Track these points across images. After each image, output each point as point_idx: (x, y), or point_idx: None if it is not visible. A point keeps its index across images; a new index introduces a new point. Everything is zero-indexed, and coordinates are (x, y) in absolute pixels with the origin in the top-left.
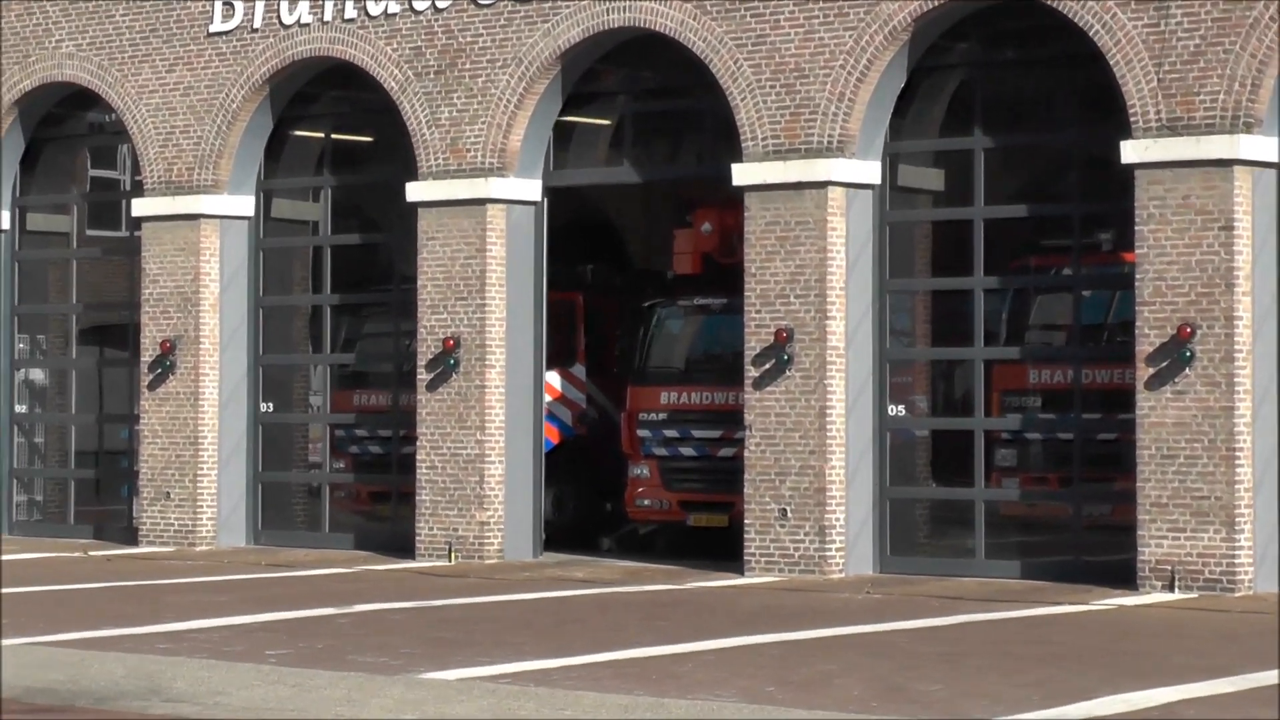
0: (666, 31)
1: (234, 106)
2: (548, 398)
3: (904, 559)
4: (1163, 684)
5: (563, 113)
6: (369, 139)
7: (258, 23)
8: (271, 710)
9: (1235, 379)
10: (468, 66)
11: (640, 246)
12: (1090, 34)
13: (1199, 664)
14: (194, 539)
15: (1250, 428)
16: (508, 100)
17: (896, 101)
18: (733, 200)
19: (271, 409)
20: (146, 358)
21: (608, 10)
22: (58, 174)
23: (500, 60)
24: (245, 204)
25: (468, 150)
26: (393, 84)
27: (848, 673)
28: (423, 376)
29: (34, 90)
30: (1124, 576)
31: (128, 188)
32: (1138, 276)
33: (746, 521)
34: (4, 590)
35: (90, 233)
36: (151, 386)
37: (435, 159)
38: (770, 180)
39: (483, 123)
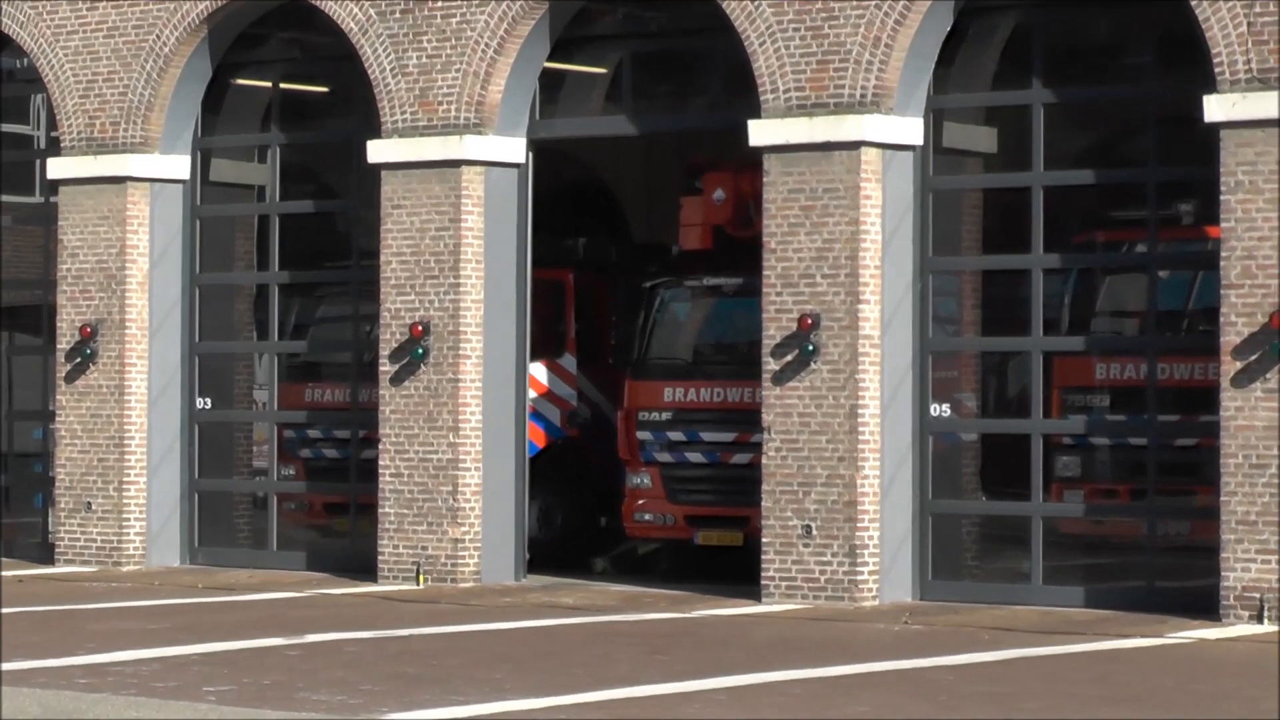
0: None
1: (166, 50)
2: (532, 394)
3: (948, 584)
4: None
5: (550, 59)
6: (324, 90)
7: None
8: None
9: None
10: (439, 4)
11: (641, 217)
12: None
13: None
14: (119, 557)
15: None
16: (486, 44)
17: (941, 48)
18: (749, 163)
19: (209, 405)
20: (63, 345)
21: None
22: None
23: None
24: (179, 165)
25: (439, 103)
26: (352, 24)
27: (882, 716)
28: (386, 368)
29: None
30: (1205, 605)
31: (42, 145)
32: (1223, 255)
33: (764, 540)
34: None
35: None
36: (69, 378)
37: (401, 113)
38: (793, 140)
39: (457, 70)
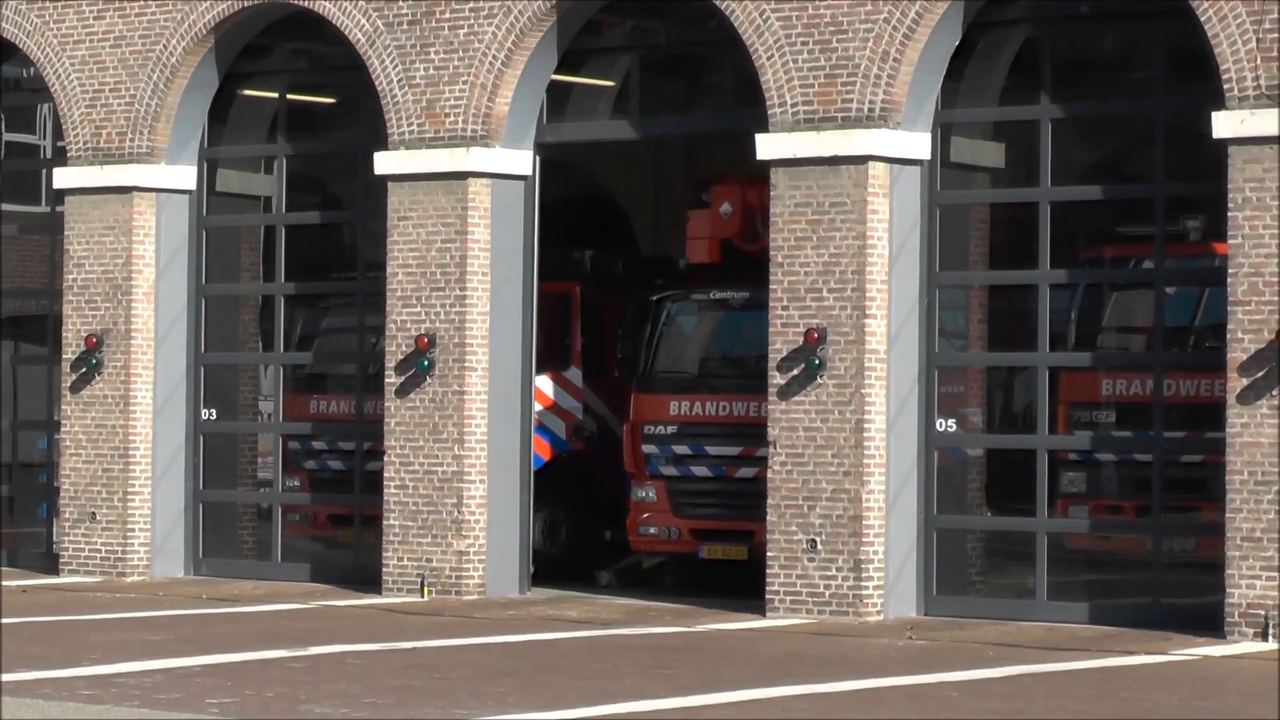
0: None
1: (173, 60)
2: (538, 406)
3: (953, 599)
4: None
5: (558, 71)
6: (331, 101)
7: None
8: None
9: None
10: (447, 16)
11: (648, 230)
12: None
13: None
14: (123, 567)
15: None
16: (494, 56)
17: (950, 62)
18: (757, 176)
19: (214, 416)
20: (69, 355)
21: None
22: None
23: (485, 9)
24: (186, 175)
25: (446, 115)
26: (359, 35)
27: None
28: (391, 380)
29: None
30: (1210, 622)
31: (48, 155)
32: (1230, 271)
33: (769, 554)
34: None
35: (4, 207)
36: (74, 389)
37: (408, 124)
38: (801, 154)
39: (464, 82)
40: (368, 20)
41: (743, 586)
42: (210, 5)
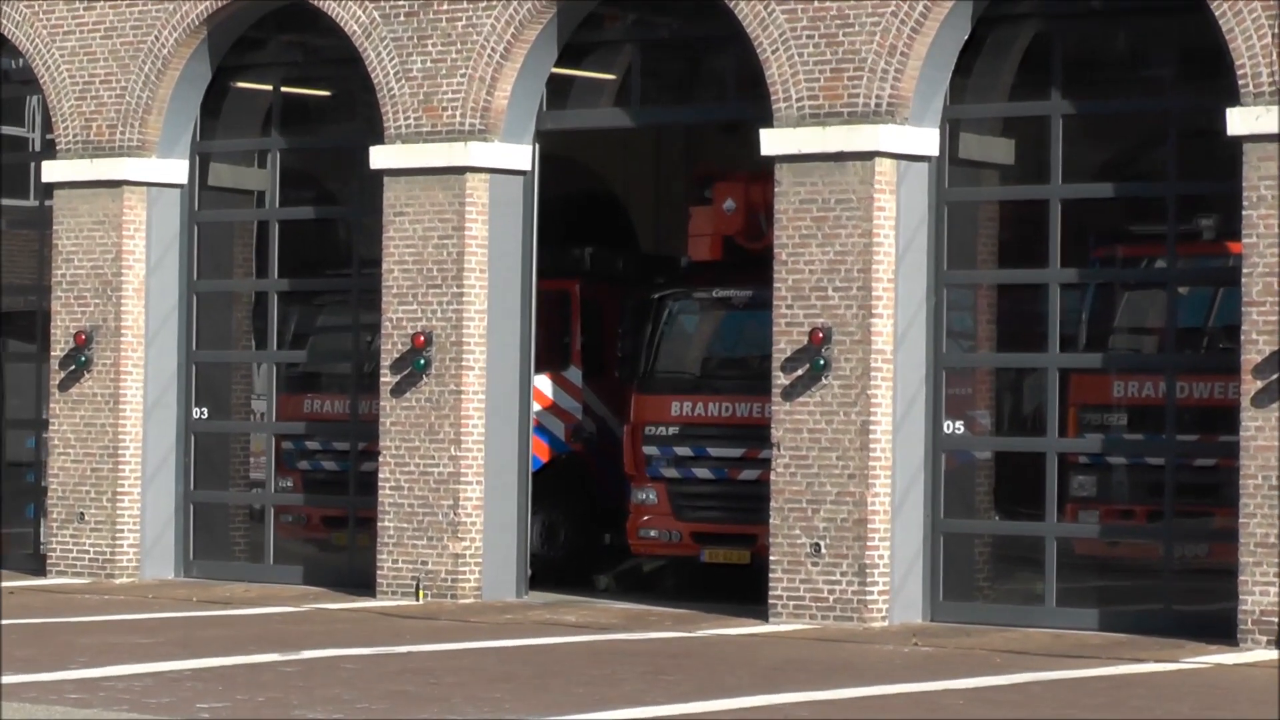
0: None
1: (165, 52)
2: (536, 407)
3: (959, 605)
4: None
5: (558, 65)
6: (326, 94)
7: None
8: None
9: None
10: (445, 8)
11: (649, 226)
12: None
13: None
14: (112, 569)
15: None
16: (492, 49)
17: (959, 57)
18: (761, 173)
19: (206, 415)
20: (58, 352)
21: None
22: None
23: (484, 1)
24: (177, 169)
25: (444, 108)
26: (355, 27)
27: None
28: (387, 379)
29: None
30: (1222, 630)
31: (37, 148)
32: (1245, 271)
33: (772, 558)
34: None
35: None
36: (63, 386)
37: (405, 118)
38: (806, 149)
39: (462, 75)
40: (364, 12)
41: (745, 591)
42: None
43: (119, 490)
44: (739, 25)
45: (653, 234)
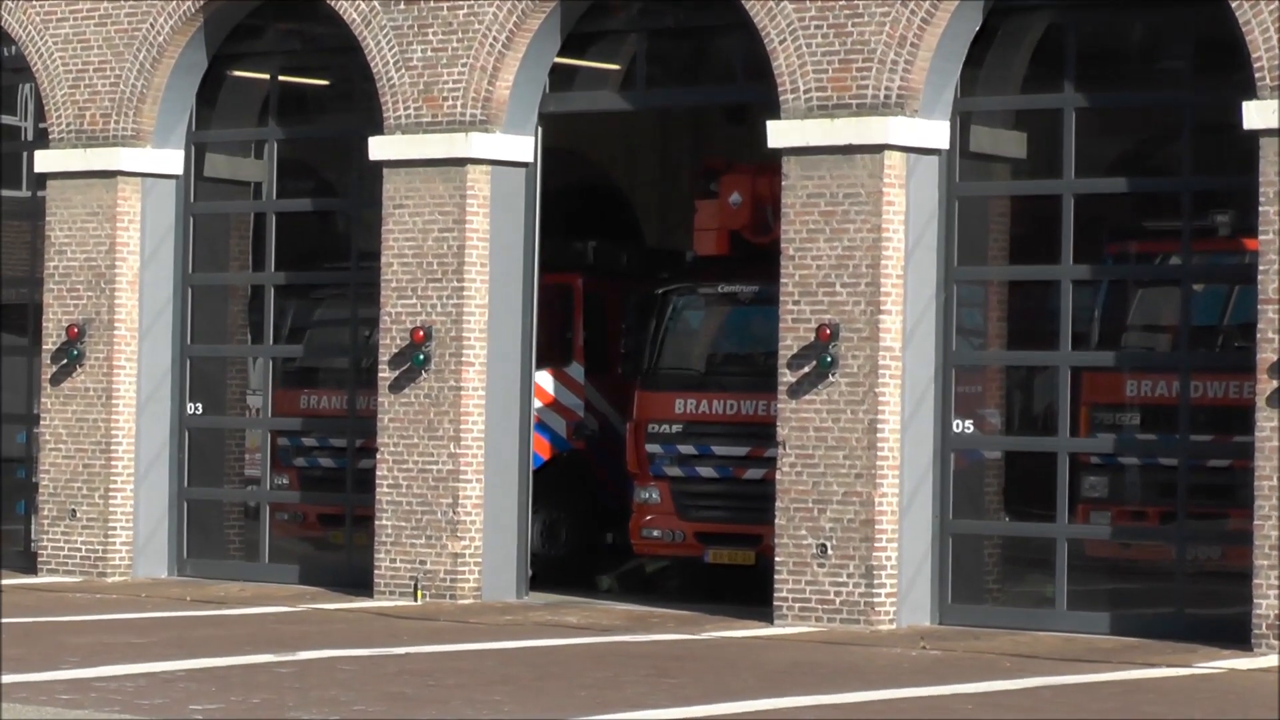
0: None
1: (160, 39)
2: (537, 403)
3: (968, 608)
4: None
5: (561, 54)
6: (324, 83)
7: None
8: None
9: None
10: None
11: (654, 220)
12: None
13: None
14: (104, 567)
15: None
16: (494, 38)
17: (970, 48)
18: (768, 166)
19: (200, 411)
20: (49, 345)
21: None
22: None
23: None
24: (173, 159)
25: (444, 99)
26: (354, 15)
27: None
28: (385, 375)
29: None
30: (1236, 634)
31: (30, 137)
32: (1261, 268)
33: (777, 559)
34: None
35: None
36: (55, 381)
37: (405, 109)
38: (814, 142)
39: (463, 65)
40: None
41: (749, 593)
42: None
43: (111, 487)
44: (745, 15)
45: (657, 228)
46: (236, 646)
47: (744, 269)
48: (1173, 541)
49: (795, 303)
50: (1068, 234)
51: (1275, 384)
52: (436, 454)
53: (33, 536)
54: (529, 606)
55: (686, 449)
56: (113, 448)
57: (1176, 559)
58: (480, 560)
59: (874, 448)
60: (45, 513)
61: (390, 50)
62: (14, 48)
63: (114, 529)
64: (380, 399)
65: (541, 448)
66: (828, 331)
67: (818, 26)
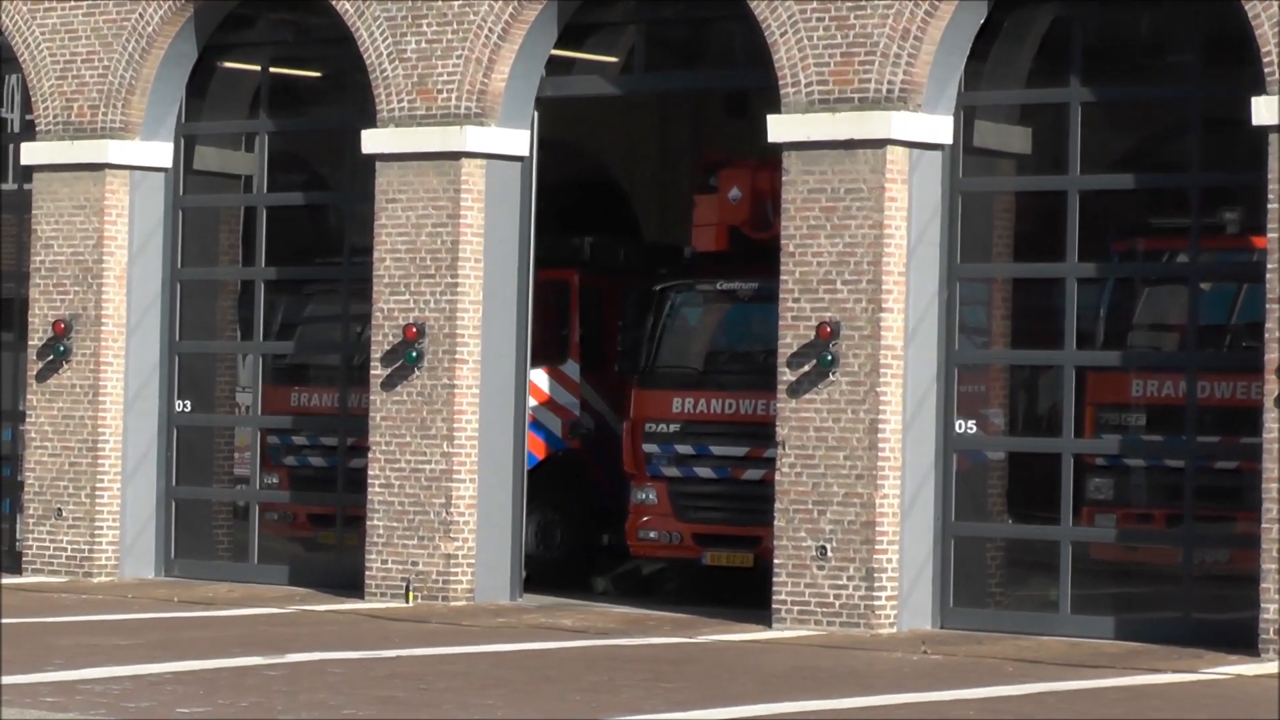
0: None
1: (150, 30)
2: (532, 402)
3: (970, 612)
4: None
5: (558, 46)
6: (317, 75)
7: None
8: None
9: None
10: None
11: (652, 215)
12: None
13: None
14: (91, 567)
15: None
16: (490, 29)
17: (974, 42)
18: (768, 160)
19: (189, 408)
20: (35, 341)
21: None
22: None
23: None
24: (162, 152)
25: (439, 91)
26: (347, 5)
27: None
28: (377, 372)
29: None
30: (1243, 639)
31: (17, 129)
32: (1270, 266)
33: (776, 561)
34: None
35: None
36: (41, 377)
37: (398, 101)
38: (815, 136)
39: (458, 57)
40: None
41: (748, 595)
42: None
43: (98, 485)
44: (746, 7)
45: (655, 223)
46: (225, 649)
47: (743, 265)
48: (1179, 544)
49: (795, 300)
50: (1073, 231)
51: None
52: (429, 453)
53: (18, 536)
54: (523, 609)
55: (684, 449)
56: (99, 446)
57: (1183, 562)
58: (473, 561)
59: (875, 448)
60: (31, 512)
61: (384, 41)
62: (0, 38)
63: (100, 528)
64: (372, 397)
65: (536, 447)
66: (828, 329)
67: (819, 19)
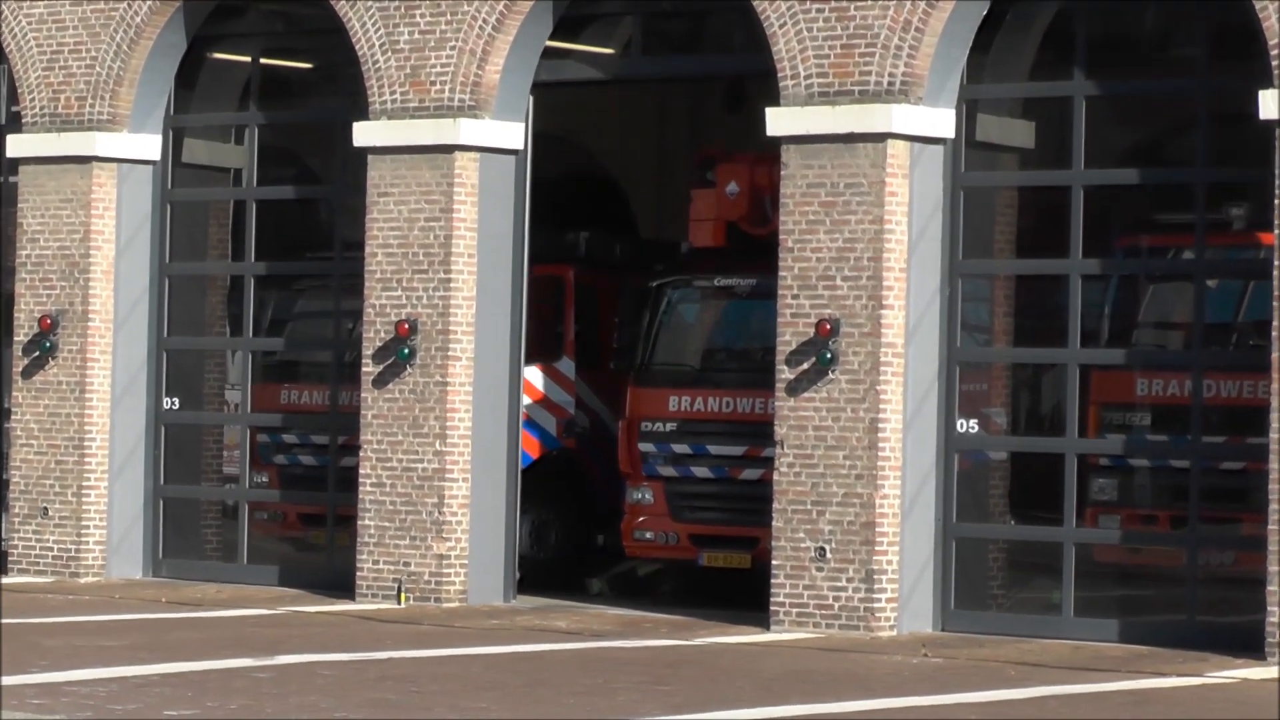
0: None
1: (138, 20)
2: (526, 400)
3: (972, 614)
4: None
5: (553, 38)
6: (308, 66)
7: None
8: None
9: None
10: None
11: (648, 210)
12: None
13: None
14: (77, 567)
15: None
16: (484, 20)
17: (977, 34)
18: (766, 155)
19: (177, 406)
20: (21, 337)
21: None
22: None
23: None
24: (150, 145)
25: (432, 83)
26: None
27: None
28: (369, 369)
29: None
30: (1249, 642)
31: (2, 121)
32: (1277, 263)
33: (774, 562)
34: None
35: None
36: (26, 374)
37: (391, 93)
38: (814, 130)
39: (452, 48)
40: None
41: (745, 597)
42: None
43: (84, 484)
44: None
45: (652, 218)
46: (213, 650)
47: (741, 261)
48: (1184, 546)
49: (794, 297)
50: (1077, 227)
51: None
52: (421, 452)
53: (3, 535)
54: (516, 610)
55: (681, 448)
56: (86, 443)
57: (1188, 564)
58: (466, 562)
59: (875, 448)
60: (16, 511)
61: (376, 32)
62: None
63: (87, 528)
64: (363, 394)
65: (530, 446)
66: (828, 327)
67: (819, 10)
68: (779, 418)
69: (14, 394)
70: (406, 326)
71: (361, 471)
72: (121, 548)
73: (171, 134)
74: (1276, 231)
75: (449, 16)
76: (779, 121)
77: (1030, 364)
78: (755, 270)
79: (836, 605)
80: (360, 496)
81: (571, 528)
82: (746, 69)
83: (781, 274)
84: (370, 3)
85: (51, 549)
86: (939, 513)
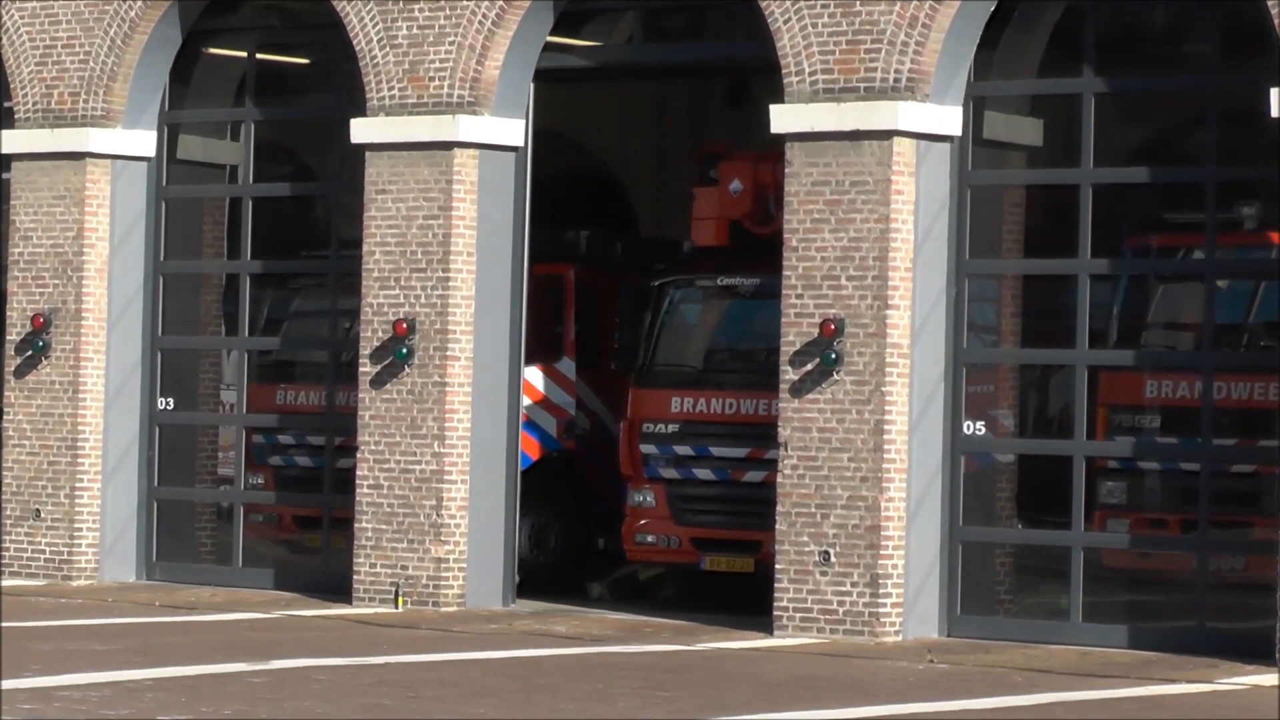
0: None
1: (132, 14)
2: (526, 401)
3: (978, 619)
4: None
5: (554, 33)
6: (304, 61)
7: None
8: None
9: None
10: None
11: (650, 209)
12: None
13: None
14: (70, 570)
15: None
16: (483, 15)
17: (984, 30)
18: (770, 152)
19: (172, 406)
20: (14, 336)
21: None
22: None
23: None
24: (144, 141)
25: (431, 79)
26: None
27: None
28: (366, 369)
29: None
30: (1260, 649)
31: None
32: None
33: (778, 566)
34: None
35: None
36: (19, 373)
37: (389, 89)
38: (819, 127)
39: (451, 43)
40: None
41: (748, 602)
42: None
43: (77, 485)
44: None
45: (654, 217)
46: (207, 654)
47: (744, 260)
48: (1194, 551)
49: (798, 296)
50: (1085, 226)
51: None
52: (419, 453)
53: None
54: (515, 615)
55: (683, 450)
56: (79, 444)
57: (1198, 569)
58: (465, 565)
59: (880, 450)
60: (8, 512)
61: (374, 27)
62: None
63: (80, 530)
64: (360, 395)
65: (530, 447)
66: (832, 327)
67: (824, 5)
68: (783, 419)
69: (6, 394)
70: (404, 326)
71: (358, 473)
72: (115, 550)
73: (166, 130)
74: None
75: (448, 11)
76: (783, 118)
77: (1038, 365)
78: (758, 269)
79: (841, 610)
80: (357, 498)
81: (572, 530)
82: (750, 55)
83: (785, 273)
84: None
85: (44, 551)
86: (945, 516)
